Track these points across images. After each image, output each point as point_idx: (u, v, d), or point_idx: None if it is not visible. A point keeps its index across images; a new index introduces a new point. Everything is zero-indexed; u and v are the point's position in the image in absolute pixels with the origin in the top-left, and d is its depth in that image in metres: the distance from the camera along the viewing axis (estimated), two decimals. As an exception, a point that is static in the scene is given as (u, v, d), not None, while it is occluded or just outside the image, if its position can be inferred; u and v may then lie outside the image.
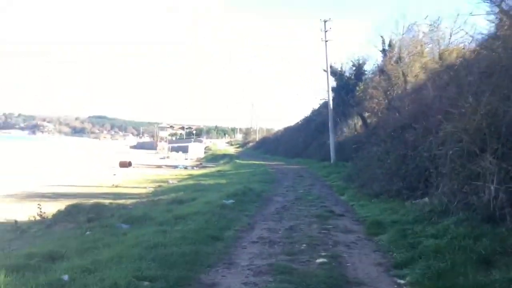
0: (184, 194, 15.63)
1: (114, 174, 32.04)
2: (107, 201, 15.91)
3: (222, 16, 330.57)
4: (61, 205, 14.47)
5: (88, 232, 8.64)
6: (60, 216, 11.29)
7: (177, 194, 16.51)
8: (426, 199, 10.42)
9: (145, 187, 22.27)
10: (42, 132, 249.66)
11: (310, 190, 16.35)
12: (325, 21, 31.40)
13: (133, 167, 41.44)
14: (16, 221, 11.13)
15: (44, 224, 10.99)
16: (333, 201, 13.46)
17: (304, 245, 7.19)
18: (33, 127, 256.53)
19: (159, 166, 43.60)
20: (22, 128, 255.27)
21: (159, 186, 22.73)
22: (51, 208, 13.62)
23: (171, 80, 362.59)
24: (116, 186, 23.12)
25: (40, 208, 11.92)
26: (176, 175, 30.83)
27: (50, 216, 11.97)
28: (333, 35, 35.22)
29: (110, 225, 8.84)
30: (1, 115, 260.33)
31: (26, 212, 13.28)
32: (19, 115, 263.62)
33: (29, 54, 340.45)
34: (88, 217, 10.29)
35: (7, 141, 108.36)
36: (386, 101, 26.95)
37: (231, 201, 11.66)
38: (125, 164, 41.73)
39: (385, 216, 9.50)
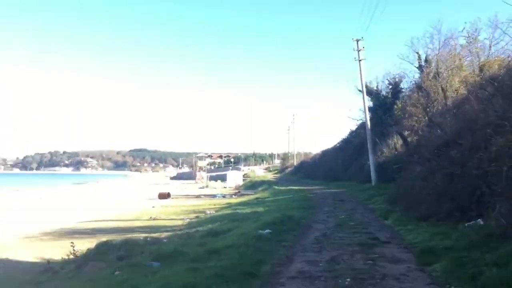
0: (220, 225, 15.10)
1: (153, 206, 32.07)
2: (142, 235, 15.66)
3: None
4: (97, 241, 14.28)
5: (117, 272, 8.23)
6: (90, 255, 10.98)
7: (213, 225, 16.02)
8: (480, 221, 9.53)
9: (182, 219, 21.97)
10: (86, 167, 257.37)
11: (351, 215, 15.51)
12: (357, 40, 30.80)
13: (172, 198, 41.51)
14: (48, 262, 10.92)
15: (75, 264, 10.69)
16: (377, 226, 12.60)
17: (349, 279, 6.47)
18: (77, 163, 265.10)
19: (198, 196, 43.47)
20: (67, 165, 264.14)
21: (196, 216, 22.37)
22: (87, 245, 13.45)
23: (209, 109, 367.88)
24: (154, 219, 22.94)
25: (73, 247, 11.69)
26: (214, 205, 30.49)
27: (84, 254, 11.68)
28: (367, 54, 34.65)
29: (139, 263, 8.40)
30: (47, 154, 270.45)
31: (61, 251, 13.16)
32: (64, 152, 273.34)
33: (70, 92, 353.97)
34: (118, 255, 9.91)
35: (51, 179, 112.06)
36: (426, 118, 25.95)
37: (267, 231, 11.03)
38: (164, 196, 41.91)
39: (437, 241, 8.64)
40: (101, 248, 11.13)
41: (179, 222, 20.57)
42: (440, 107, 24.70)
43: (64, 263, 11.35)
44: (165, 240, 13.99)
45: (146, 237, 14.38)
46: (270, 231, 11.08)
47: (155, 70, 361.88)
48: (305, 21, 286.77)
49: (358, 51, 30.75)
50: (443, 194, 12.07)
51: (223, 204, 30.01)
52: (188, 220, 21.21)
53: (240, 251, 8.45)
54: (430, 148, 16.79)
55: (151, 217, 23.59)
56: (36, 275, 10.30)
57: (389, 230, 11.74)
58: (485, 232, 7.84)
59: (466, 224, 9.61)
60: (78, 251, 11.77)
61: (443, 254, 7.58)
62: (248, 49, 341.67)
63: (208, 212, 24.15)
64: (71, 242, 12.30)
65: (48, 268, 10.54)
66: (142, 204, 35.61)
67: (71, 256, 11.49)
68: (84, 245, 13.99)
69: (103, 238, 15.92)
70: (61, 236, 17.78)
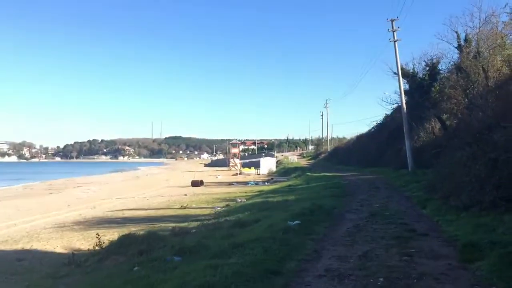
0: (249, 215, 14.69)
1: (185, 194, 32.02)
2: (171, 225, 15.42)
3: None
4: (126, 231, 14.14)
5: (136, 268, 7.89)
6: (112, 248, 10.72)
7: (243, 214, 15.62)
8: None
9: (212, 207, 21.69)
10: (123, 155, 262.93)
11: (386, 204, 14.76)
12: (392, 20, 29.58)
13: (205, 185, 41.47)
14: (73, 253, 10.77)
15: (98, 257, 10.48)
16: (414, 216, 11.84)
17: (381, 279, 5.87)
18: (115, 152, 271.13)
19: (230, 184, 43.28)
20: (105, 153, 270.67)
21: (227, 205, 22.04)
22: (116, 235, 13.32)
23: (242, 95, 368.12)
24: (185, 207, 22.78)
25: (99, 238, 11.49)
26: (245, 192, 30.17)
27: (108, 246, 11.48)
28: (402, 35, 33.38)
29: (160, 258, 8.02)
30: (86, 142, 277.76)
31: (91, 241, 13.08)
32: (102, 141, 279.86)
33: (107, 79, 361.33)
34: (140, 249, 9.58)
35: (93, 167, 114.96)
36: (466, 100, 24.78)
37: (296, 222, 10.48)
38: (197, 183, 41.90)
39: (481, 235, 7.86)
40: (123, 241, 10.86)
41: (209, 211, 20.28)
42: (481, 88, 23.53)
43: (89, 255, 11.18)
44: (193, 231, 13.68)
45: (174, 227, 14.12)
46: (299, 222, 10.52)
47: (186, 56, 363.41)
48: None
49: (393, 31, 29.58)
50: (486, 182, 11.21)
51: (255, 192, 29.63)
52: (218, 208, 20.90)
53: (265, 245, 7.94)
54: (471, 132, 15.84)
55: (182, 206, 23.44)
56: (58, 268, 10.16)
57: (427, 221, 10.99)
58: (536, 225, 7.04)
59: (513, 215, 8.81)
60: (104, 242, 11.56)
61: (488, 249, 6.85)
62: (280, 33, 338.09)
63: (238, 200, 23.80)
64: (97, 234, 12.14)
65: (71, 260, 10.39)
66: (174, 191, 35.67)
67: (97, 248, 11.29)
68: (113, 235, 13.90)
69: (133, 228, 15.84)
70: (92, 225, 17.76)
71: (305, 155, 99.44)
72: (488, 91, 21.37)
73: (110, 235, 14.28)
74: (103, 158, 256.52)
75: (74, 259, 10.46)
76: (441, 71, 32.58)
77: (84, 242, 13.99)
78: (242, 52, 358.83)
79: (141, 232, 12.12)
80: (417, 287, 5.55)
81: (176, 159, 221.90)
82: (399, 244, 8.12)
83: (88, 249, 11.74)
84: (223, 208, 20.71)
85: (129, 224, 17.39)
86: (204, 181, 44.49)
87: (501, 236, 7.30)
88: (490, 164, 11.61)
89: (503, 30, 25.09)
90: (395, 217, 11.55)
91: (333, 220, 11.64)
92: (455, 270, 6.20)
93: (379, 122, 48.97)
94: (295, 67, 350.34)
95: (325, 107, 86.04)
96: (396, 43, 29.83)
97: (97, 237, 11.66)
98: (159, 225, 16.41)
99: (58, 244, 13.93)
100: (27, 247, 13.74)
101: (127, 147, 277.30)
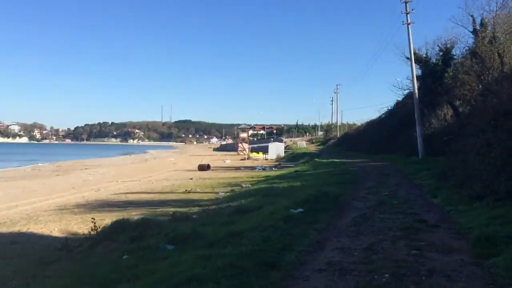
0: (252, 201, 14.25)
1: (191, 178, 31.69)
2: (173, 210, 15.05)
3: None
4: (126, 215, 13.79)
5: (125, 256, 7.47)
6: (105, 234, 10.31)
7: (246, 200, 15.20)
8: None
9: (217, 192, 21.28)
10: (133, 138, 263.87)
11: (395, 192, 14.20)
12: (406, 2, 28.63)
13: (212, 170, 41.14)
14: (67, 238, 10.40)
15: (90, 243, 10.08)
16: (424, 206, 11.27)
17: (387, 275, 5.36)
18: (125, 135, 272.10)
19: (238, 168, 42.89)
20: (115, 136, 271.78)
21: (232, 190, 21.62)
22: (114, 219, 12.93)
23: (252, 80, 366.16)
24: (188, 192, 22.42)
25: (94, 223, 11.09)
26: (252, 177, 29.74)
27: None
28: (416, 18, 32.49)
29: (152, 246, 7.59)
30: (96, 125, 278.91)
31: (89, 225, 12.71)
32: (112, 123, 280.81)
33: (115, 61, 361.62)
34: (132, 236, 9.15)
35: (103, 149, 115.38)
36: (480, 86, 24.03)
37: (300, 210, 9.99)
38: (203, 168, 41.57)
39: (496, 227, 7.29)
40: (116, 227, 10.43)
41: (213, 196, 19.87)
42: (496, 74, 22.78)
43: (84, 239, 10.81)
44: (194, 216, 13.28)
45: (175, 212, 13.72)
46: (303, 210, 10.03)
47: (197, 40, 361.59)
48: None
49: (407, 14, 28.66)
50: (501, 170, 10.62)
51: (262, 177, 29.17)
52: (222, 193, 20.49)
53: (264, 234, 7.47)
54: (485, 118, 15.14)
55: (186, 190, 23.08)
56: (50, 253, 9.81)
57: (438, 211, 10.41)
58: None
59: (531, 207, 8.23)
60: (99, 227, 11.16)
61: (504, 244, 6.31)
62: (289, 17, 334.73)
63: (244, 185, 23.36)
64: (92, 218, 11.74)
65: (65, 245, 10.02)
66: (181, 175, 35.37)
67: (92, 233, 10.90)
68: (113, 219, 13.52)
69: (134, 212, 15.51)
70: (93, 209, 17.46)
71: (314, 141, 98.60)
72: (504, 77, 20.61)
73: (109, 219, 13.89)
74: (113, 141, 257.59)
75: (68, 243, 10.09)
76: (455, 57, 31.72)
77: (82, 225, 13.65)
78: (253, 36, 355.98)
79: (136, 218, 11.68)
80: (426, 285, 5.04)
81: (185, 143, 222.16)
82: (408, 236, 7.59)
83: (84, 234, 11.39)
84: (227, 193, 20.30)
85: (131, 208, 17.05)
86: (212, 165, 44.16)
87: (518, 230, 6.73)
88: (505, 152, 10.99)
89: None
90: (404, 206, 11.00)
91: (338, 208, 11.12)
92: (468, 267, 5.66)
93: (390, 108, 48.03)
94: (306, 51, 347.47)
95: (335, 93, 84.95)
96: (409, 26, 28.93)
97: (92, 221, 11.25)
98: (160, 209, 16.05)
99: (55, 227, 13.61)
100: (24, 229, 13.47)
101: (137, 130, 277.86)
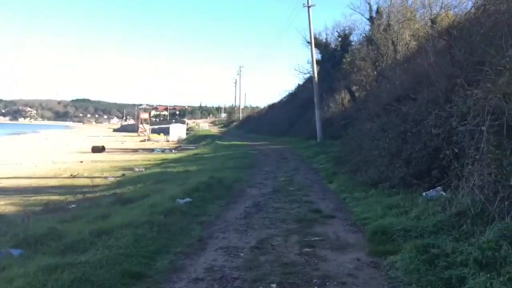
0: (140, 188, 12.96)
1: (81, 161, 29.16)
2: (49, 198, 13.24)
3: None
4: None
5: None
6: None
7: (134, 187, 13.85)
8: (441, 190, 7.84)
9: (106, 177, 19.45)
10: (24, 117, 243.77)
11: (292, 177, 13.68)
12: (306, -17, 28.41)
13: (107, 152, 38.51)
14: None
15: None
16: (319, 192, 10.75)
17: (274, 285, 4.50)
18: (15, 113, 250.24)
19: (136, 151, 40.63)
20: (3, 114, 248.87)
21: (123, 175, 19.92)
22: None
23: (157, 60, 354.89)
24: (74, 176, 20.31)
25: None
26: (148, 160, 28.07)
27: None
28: (317, 1, 32.62)
29: (-9, 251, 6.09)
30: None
31: None
32: (0, 100, 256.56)
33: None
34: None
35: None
36: (375, 72, 24.60)
37: (187, 200, 8.92)
38: (98, 149, 38.75)
39: (392, 218, 6.80)
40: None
41: (102, 181, 18.06)
42: (390, 61, 23.39)
43: None
44: (72, 206, 11.68)
45: (48, 202, 11.98)
46: (191, 200, 8.97)
47: (99, 16, 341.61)
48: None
49: (308, -4, 28.41)
50: (396, 156, 10.38)
51: (158, 160, 27.60)
52: (112, 179, 18.73)
53: (138, 232, 6.29)
54: (379, 103, 15.18)
55: (71, 175, 20.89)
56: None
57: (333, 199, 9.90)
58: (456, 209, 6.05)
59: (424, 194, 7.91)
60: None
61: (402, 239, 5.77)
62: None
63: (136, 169, 21.73)
64: None
65: None
66: (71, 158, 32.46)
67: None
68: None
69: (1, 202, 13.38)
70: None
71: (217, 123, 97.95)
72: (397, 64, 21.15)
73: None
74: (1, 119, 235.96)
75: None
76: (353, 43, 32.50)
77: None
78: (156, 14, 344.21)
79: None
80: (318, 296, 4.25)
81: (84, 123, 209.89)
82: (301, 229, 6.86)
83: None
84: (117, 178, 18.60)
85: (2, 196, 14.77)
86: (109, 147, 41.47)
87: (415, 223, 6.24)
88: (400, 138, 10.81)
89: (412, 5, 25.19)
90: (299, 194, 10.39)
91: (231, 196, 10.22)
92: (364, 270, 4.96)
93: (291, 91, 48.71)
94: (211, 32, 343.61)
95: (238, 75, 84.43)
96: (309, 9, 28.78)
97: None
98: (34, 198, 14.03)
99: None
100: None
101: (28, 108, 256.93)
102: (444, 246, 5.06)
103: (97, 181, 18.08)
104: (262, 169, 16.29)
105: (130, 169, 22.25)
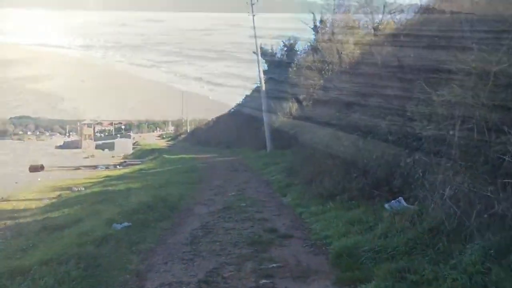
0: (76, 210, 11.62)
1: (16, 182, 26.98)
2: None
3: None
4: None
5: None
6: None
7: (69, 209, 12.44)
8: (403, 201, 7.23)
9: (41, 199, 17.76)
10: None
11: (244, 191, 12.81)
12: (250, -8, 27.97)
13: (46, 170, 36.12)
14: None
15: None
16: (274, 208, 9.92)
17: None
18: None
19: (77, 168, 38.40)
20: None
21: (59, 195, 18.29)
22: None
23: (100, 75, 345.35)
24: (5, 200, 18.46)
25: None
26: (90, 179, 26.28)
27: None
28: (262, 11, 32.25)
29: None
30: None
31: None
32: None
33: None
34: None
35: None
36: (322, 81, 24.46)
37: (125, 224, 7.85)
38: (36, 169, 36.21)
39: (356, 237, 6.08)
40: None
41: (35, 205, 16.40)
42: (336, 69, 23.30)
43: None
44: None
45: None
46: (129, 224, 7.91)
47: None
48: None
49: (252, 4, 27.96)
50: (352, 165, 9.77)
51: (101, 178, 25.91)
52: (47, 200, 17.11)
53: (62, 270, 5.22)
54: (330, 111, 14.74)
55: (1, 198, 19.02)
56: None
57: (289, 214, 9.10)
58: (427, 225, 5.39)
59: (387, 205, 7.27)
60: None
61: (371, 262, 5.05)
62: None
63: (75, 189, 20.09)
64: None
65: None
66: (4, 180, 30.06)
67: None
68: None
69: None
70: None
71: (164, 136, 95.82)
72: (342, 72, 21.04)
73: None
74: None
75: None
76: (299, 52, 32.40)
77: None
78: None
79: None
80: None
81: (23, 141, 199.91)
82: (256, 254, 6.00)
83: None
84: (52, 200, 17.00)
85: None
86: (49, 165, 38.95)
87: (383, 241, 5.54)
88: (353, 146, 10.27)
89: (355, 14, 25.35)
90: (252, 210, 9.52)
91: (176, 217, 9.19)
92: (334, 306, 4.18)
93: (239, 102, 48.18)
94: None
95: (185, 85, 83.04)
96: (254, 17, 28.33)
97: None
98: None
99: None
100: None
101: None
102: (423, 271, 4.37)
103: (31, 204, 16.43)
104: (211, 184, 15.34)
105: (69, 188, 20.59)
